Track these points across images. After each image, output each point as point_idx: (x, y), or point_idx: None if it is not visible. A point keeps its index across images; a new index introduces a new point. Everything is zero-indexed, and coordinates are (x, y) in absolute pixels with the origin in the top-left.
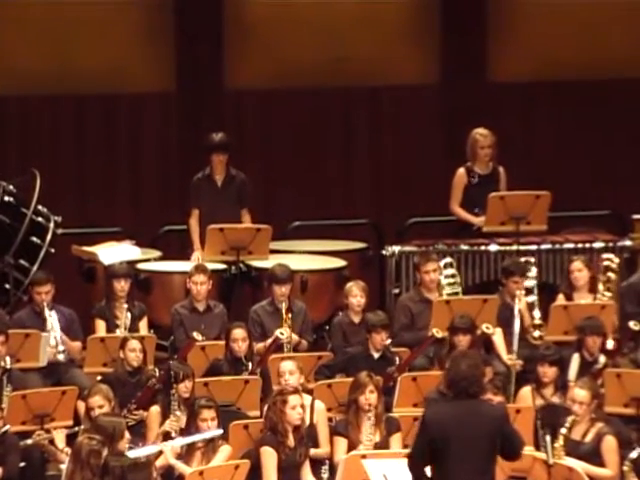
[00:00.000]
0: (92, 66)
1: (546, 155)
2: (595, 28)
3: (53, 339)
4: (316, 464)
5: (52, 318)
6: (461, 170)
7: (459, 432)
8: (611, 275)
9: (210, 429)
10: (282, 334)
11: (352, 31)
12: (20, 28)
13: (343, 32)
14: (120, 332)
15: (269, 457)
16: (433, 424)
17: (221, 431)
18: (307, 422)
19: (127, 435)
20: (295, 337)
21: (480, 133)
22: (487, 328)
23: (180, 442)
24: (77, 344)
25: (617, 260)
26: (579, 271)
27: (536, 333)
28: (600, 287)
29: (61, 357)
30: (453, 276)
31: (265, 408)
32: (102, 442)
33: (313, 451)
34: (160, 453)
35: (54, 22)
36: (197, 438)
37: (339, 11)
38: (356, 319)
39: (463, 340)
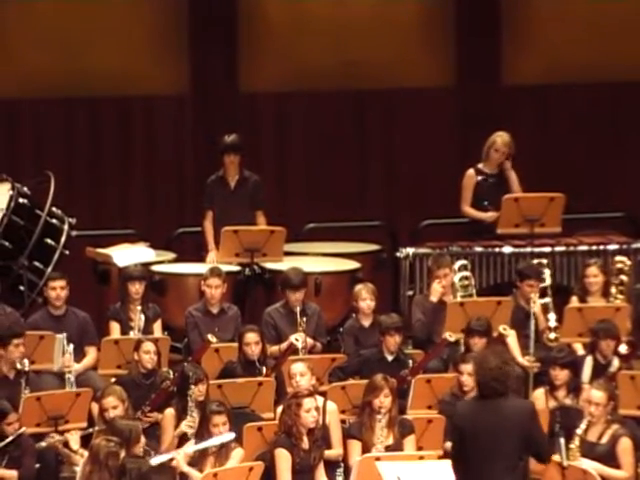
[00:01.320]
0: (106, 69)
1: (559, 157)
2: (607, 32)
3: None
4: (330, 467)
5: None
6: (470, 171)
7: (487, 430)
8: (623, 278)
9: (222, 434)
10: (297, 340)
11: (367, 34)
12: (34, 32)
13: (357, 35)
14: (134, 334)
15: (283, 459)
16: (461, 423)
17: (233, 435)
18: (320, 424)
19: (142, 438)
20: (310, 341)
21: (500, 136)
22: (504, 329)
23: (192, 448)
24: (89, 358)
25: (629, 263)
26: (594, 276)
27: (552, 335)
28: (612, 290)
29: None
30: (467, 278)
31: (279, 410)
32: (120, 444)
33: (326, 452)
34: (172, 460)
35: (69, 26)
36: (209, 444)
37: (353, 15)
38: (366, 322)
39: (479, 343)
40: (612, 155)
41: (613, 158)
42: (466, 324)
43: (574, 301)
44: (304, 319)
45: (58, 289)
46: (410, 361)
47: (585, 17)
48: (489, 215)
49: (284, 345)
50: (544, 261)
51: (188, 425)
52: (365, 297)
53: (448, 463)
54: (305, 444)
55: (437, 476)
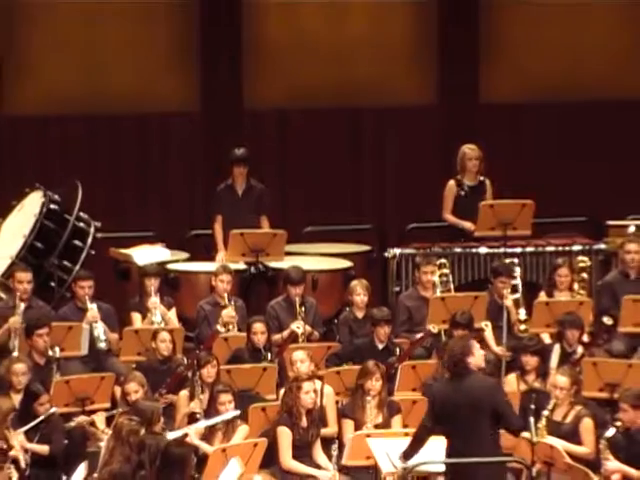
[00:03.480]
0: (125, 88)
1: (531, 168)
2: (573, 56)
3: (97, 330)
4: (326, 443)
5: (94, 310)
6: (451, 182)
7: (461, 406)
8: (584, 275)
9: (228, 411)
10: (298, 328)
11: (360, 57)
12: (61, 55)
13: (351, 58)
14: (154, 320)
15: (285, 436)
16: (437, 397)
17: (238, 412)
18: (317, 405)
19: (161, 418)
20: (308, 328)
21: (468, 147)
22: (486, 325)
23: (203, 424)
24: (115, 336)
25: (589, 262)
26: (565, 276)
27: (522, 327)
28: (576, 286)
29: (102, 345)
30: (446, 275)
31: (281, 392)
32: (140, 423)
33: (322, 430)
34: (186, 435)
35: (91, 49)
36: (218, 420)
37: (348, 39)
38: (360, 314)
39: (461, 334)
40: (577, 167)
41: (578, 169)
42: (451, 317)
43: (542, 296)
44: (303, 309)
45: (86, 288)
46: (398, 349)
47: (554, 42)
48: (467, 224)
49: (286, 333)
50: (515, 260)
51: (196, 404)
52: (359, 292)
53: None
54: (304, 422)
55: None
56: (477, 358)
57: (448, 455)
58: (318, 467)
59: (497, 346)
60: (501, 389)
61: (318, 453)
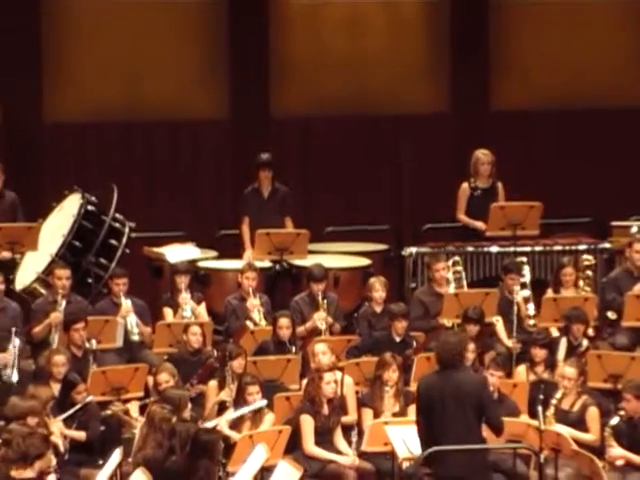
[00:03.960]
0: (160, 98)
1: (538, 172)
2: (578, 66)
3: (130, 323)
4: (346, 430)
5: (127, 304)
6: (465, 184)
7: (450, 397)
8: (589, 273)
9: (256, 401)
10: (321, 324)
11: (377, 68)
12: (100, 67)
13: (370, 70)
14: (185, 313)
15: (307, 423)
16: (423, 391)
17: (265, 402)
18: (338, 394)
19: (189, 405)
20: (329, 319)
21: (482, 152)
22: (497, 321)
23: (232, 415)
24: (148, 329)
25: (594, 261)
26: (570, 274)
27: (531, 322)
28: (581, 283)
29: (135, 338)
30: (459, 272)
31: (304, 383)
32: (172, 411)
33: (342, 418)
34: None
35: (128, 61)
36: (246, 410)
37: (366, 53)
38: (378, 309)
39: (473, 329)
40: (582, 171)
41: (583, 173)
42: (463, 312)
43: (550, 292)
44: (325, 301)
45: (121, 285)
46: (414, 342)
47: (558, 55)
48: (479, 224)
49: (309, 325)
50: (524, 259)
51: (226, 394)
52: (378, 289)
53: None
54: (325, 410)
55: None
56: (470, 353)
57: (427, 442)
58: (339, 453)
59: (508, 339)
60: (488, 386)
61: (339, 439)
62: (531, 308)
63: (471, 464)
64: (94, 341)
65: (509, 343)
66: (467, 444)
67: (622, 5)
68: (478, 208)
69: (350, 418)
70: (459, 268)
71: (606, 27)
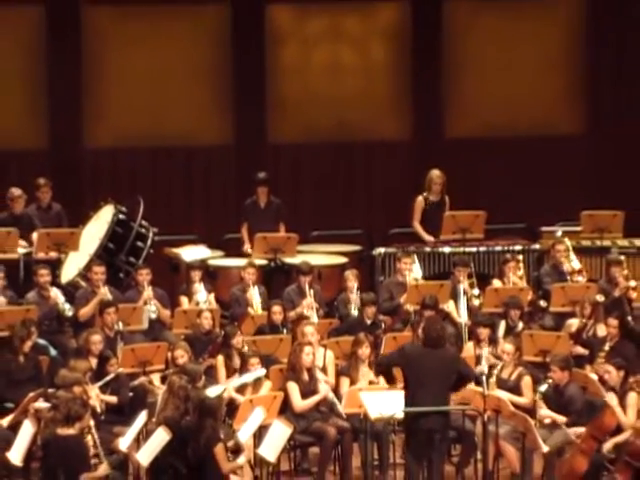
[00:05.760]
0: (176, 127)
1: (483, 187)
2: (515, 101)
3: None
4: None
5: (149, 290)
6: (420, 198)
7: (425, 366)
8: (523, 268)
9: (256, 370)
10: (307, 311)
11: (352, 104)
12: (127, 99)
13: (346, 105)
14: (199, 300)
15: (293, 388)
16: (407, 353)
17: (264, 371)
18: (320, 365)
19: (203, 376)
20: (315, 304)
21: (435, 173)
22: (447, 307)
23: (237, 382)
24: (167, 312)
25: (527, 259)
26: (511, 268)
27: (476, 302)
28: (519, 273)
29: (153, 315)
30: (417, 267)
31: None
32: (189, 381)
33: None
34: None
35: (151, 94)
36: (248, 378)
37: (344, 92)
38: (352, 297)
39: (429, 313)
40: (519, 186)
41: (519, 188)
42: (421, 300)
43: (492, 284)
44: (312, 292)
45: (144, 275)
46: (382, 324)
47: (498, 93)
48: (427, 237)
49: (299, 310)
50: (469, 256)
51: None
52: (351, 279)
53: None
54: (305, 377)
55: (397, 400)
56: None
57: (409, 404)
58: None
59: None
60: (461, 357)
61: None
62: (475, 291)
63: (440, 421)
64: (121, 323)
65: (460, 320)
66: (440, 406)
67: (552, 51)
68: (430, 217)
69: (330, 382)
70: (418, 265)
71: (538, 70)
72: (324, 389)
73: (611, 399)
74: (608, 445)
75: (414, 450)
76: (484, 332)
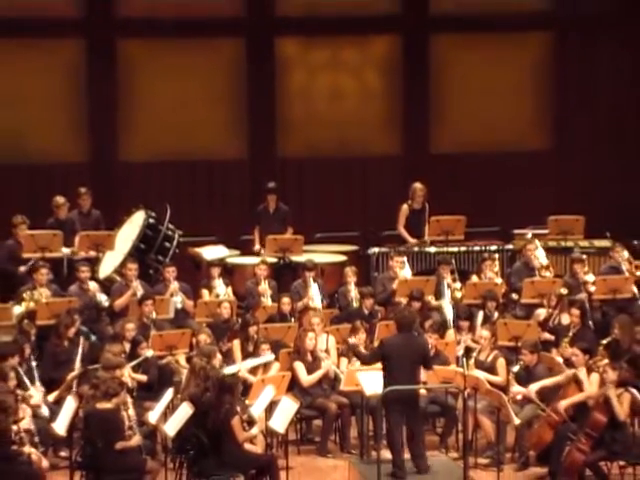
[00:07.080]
0: (199, 144)
1: (464, 196)
2: (492, 121)
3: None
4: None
5: (175, 284)
6: (405, 205)
7: (400, 351)
8: (498, 266)
9: (266, 355)
10: (312, 302)
11: (350, 124)
12: (157, 119)
13: (345, 125)
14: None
15: (299, 366)
16: (385, 344)
17: (273, 356)
18: (324, 349)
19: (219, 356)
20: (320, 296)
21: (418, 185)
22: (431, 299)
23: (249, 364)
24: (191, 303)
25: (502, 257)
26: (488, 266)
27: (458, 294)
28: (495, 269)
29: (179, 305)
30: (407, 269)
31: None
32: (207, 361)
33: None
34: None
35: (176, 117)
36: (259, 361)
37: (343, 112)
38: (351, 290)
39: (416, 305)
40: (494, 195)
41: (495, 196)
42: (409, 293)
43: (471, 279)
44: (316, 285)
45: (171, 272)
46: (378, 314)
47: (478, 114)
48: (410, 240)
49: (305, 300)
50: (452, 255)
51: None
52: (350, 275)
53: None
54: (309, 358)
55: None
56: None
57: (387, 385)
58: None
59: (444, 310)
60: (428, 345)
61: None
62: (458, 284)
63: (413, 396)
64: (154, 313)
65: (443, 307)
66: (412, 384)
67: (523, 79)
68: (413, 222)
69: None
70: (406, 263)
71: (511, 95)
72: (326, 365)
73: (582, 373)
74: (564, 404)
75: (393, 418)
76: (464, 324)
